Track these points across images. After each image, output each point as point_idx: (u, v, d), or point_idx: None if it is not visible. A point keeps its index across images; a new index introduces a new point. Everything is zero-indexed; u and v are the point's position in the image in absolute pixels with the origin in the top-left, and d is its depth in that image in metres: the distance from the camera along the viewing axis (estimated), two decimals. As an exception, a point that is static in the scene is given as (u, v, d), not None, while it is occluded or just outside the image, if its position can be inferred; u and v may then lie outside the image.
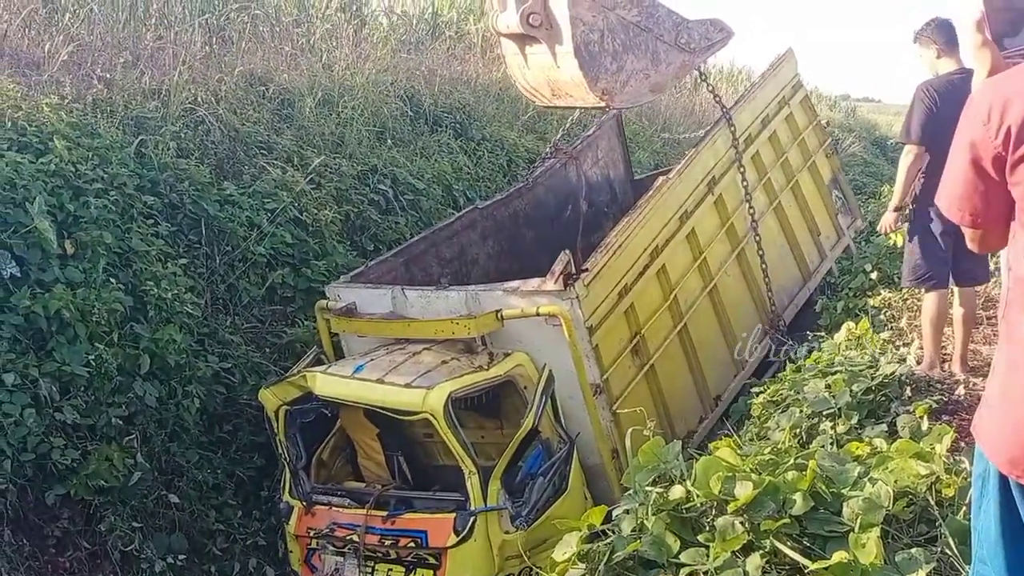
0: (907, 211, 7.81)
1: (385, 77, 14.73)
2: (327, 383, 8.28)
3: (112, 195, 9.16)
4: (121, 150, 9.69)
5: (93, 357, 8.17)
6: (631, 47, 9.33)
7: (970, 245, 3.17)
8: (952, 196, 3.02)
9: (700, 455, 9.62)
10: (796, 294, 12.30)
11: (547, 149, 13.00)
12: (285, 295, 10.72)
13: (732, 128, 11.22)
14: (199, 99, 11.25)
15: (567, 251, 8.63)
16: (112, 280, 8.71)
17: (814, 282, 12.69)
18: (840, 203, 13.52)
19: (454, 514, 7.76)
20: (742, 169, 11.16)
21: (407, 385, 7.85)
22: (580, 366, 8.55)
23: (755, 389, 8.24)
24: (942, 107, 7.18)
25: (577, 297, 8.44)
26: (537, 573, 7.56)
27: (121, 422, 8.38)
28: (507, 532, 7.74)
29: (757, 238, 11.20)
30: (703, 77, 11.39)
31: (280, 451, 8.69)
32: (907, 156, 7.62)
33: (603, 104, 9.64)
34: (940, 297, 7.68)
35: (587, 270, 8.70)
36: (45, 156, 8.78)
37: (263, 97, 12.64)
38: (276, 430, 8.63)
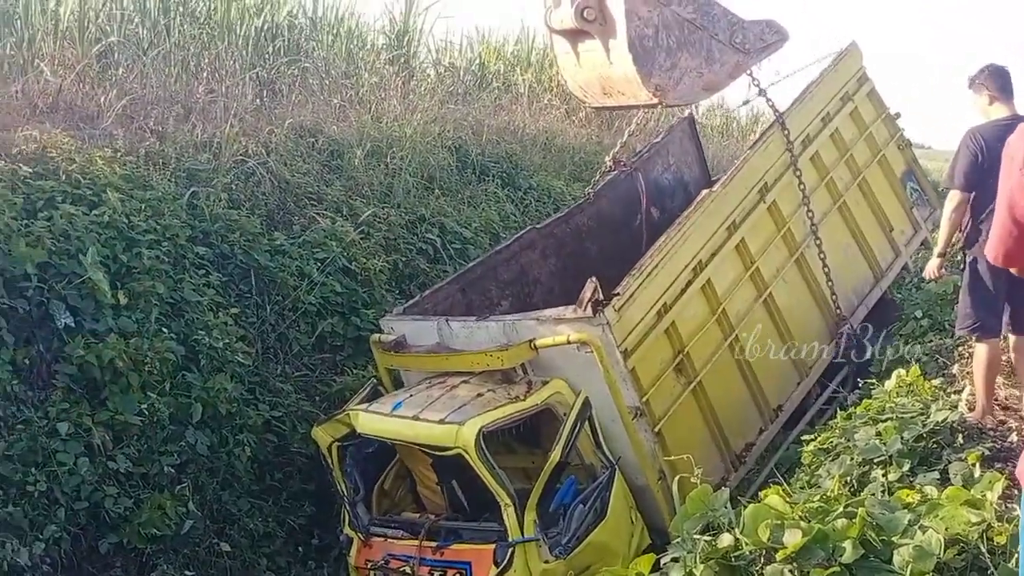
0: (956, 257, 7.73)
1: (433, 128, 14.84)
2: (368, 421, 8.44)
3: (164, 246, 9.32)
4: (173, 202, 9.86)
5: (146, 406, 8.30)
6: (685, 44, 9.26)
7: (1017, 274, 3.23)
8: (992, 237, 3.06)
9: (759, 468, 9.72)
10: (867, 294, 12.07)
11: (607, 162, 12.86)
12: (335, 344, 10.79)
13: (786, 132, 11.10)
14: (250, 151, 11.40)
15: (593, 278, 8.61)
16: (164, 330, 8.85)
17: (887, 280, 12.46)
18: (916, 196, 13.11)
19: (495, 545, 7.81)
20: (798, 172, 11.03)
21: (440, 421, 7.93)
22: (616, 391, 8.55)
23: (805, 437, 8.15)
24: (988, 153, 7.10)
25: (608, 323, 8.46)
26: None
27: (173, 470, 8.49)
28: (546, 562, 7.76)
29: (818, 241, 11.07)
30: (756, 81, 11.07)
31: (337, 486, 8.82)
32: (951, 202, 7.52)
33: (655, 101, 9.55)
34: (991, 346, 7.50)
35: (618, 294, 8.69)
36: (99, 208, 8.94)
37: (312, 148, 12.79)
38: (331, 466, 8.79)
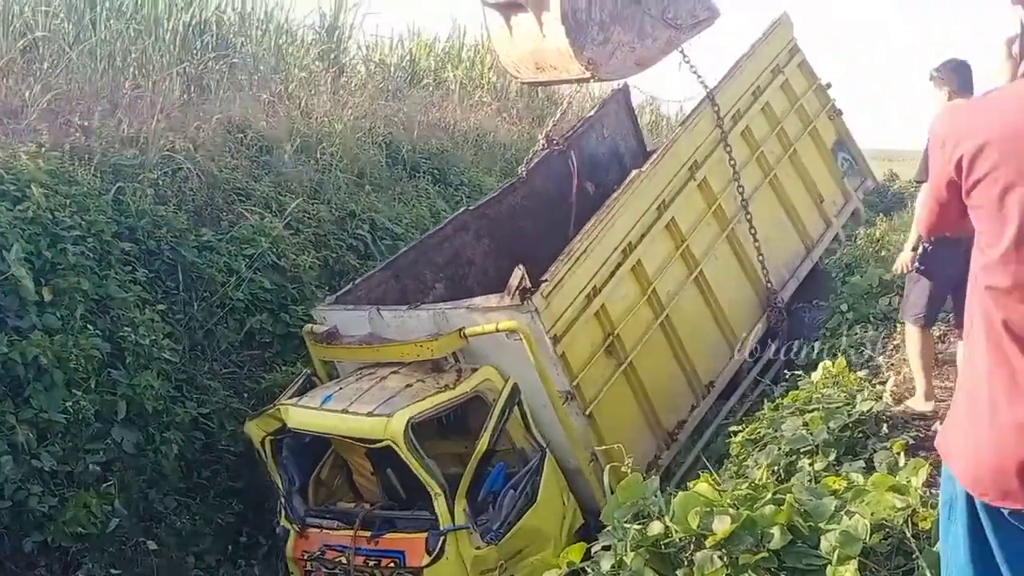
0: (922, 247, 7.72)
1: (363, 124, 14.82)
2: (298, 415, 8.44)
3: (89, 242, 9.19)
4: (99, 197, 9.72)
5: (71, 404, 8.17)
6: (618, 18, 9.22)
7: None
8: (919, 210, 3.19)
9: (692, 443, 9.71)
10: (798, 266, 12.23)
11: (540, 141, 12.85)
12: (264, 340, 10.72)
13: (716, 108, 11.16)
14: (177, 146, 11.29)
15: (520, 265, 8.66)
16: (89, 326, 8.72)
17: (818, 251, 12.59)
18: (847, 165, 13.27)
19: (427, 534, 7.89)
20: (728, 148, 11.11)
21: (369, 414, 7.97)
22: (545, 377, 8.59)
23: (733, 428, 8.23)
24: None
25: (536, 310, 8.50)
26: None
27: (99, 468, 8.37)
28: (478, 548, 7.90)
29: (748, 216, 11.17)
30: (686, 58, 10.97)
31: (272, 479, 8.83)
32: (924, 195, 7.50)
33: (588, 75, 9.53)
34: (924, 333, 7.52)
35: (546, 281, 8.74)
36: (22, 204, 8.80)
37: (241, 144, 12.70)
38: (265, 459, 8.80)
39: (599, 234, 9.43)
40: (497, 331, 8.48)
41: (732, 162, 11.16)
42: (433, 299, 10.71)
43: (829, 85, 13.16)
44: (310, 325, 9.86)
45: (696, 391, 10.40)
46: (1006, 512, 2.74)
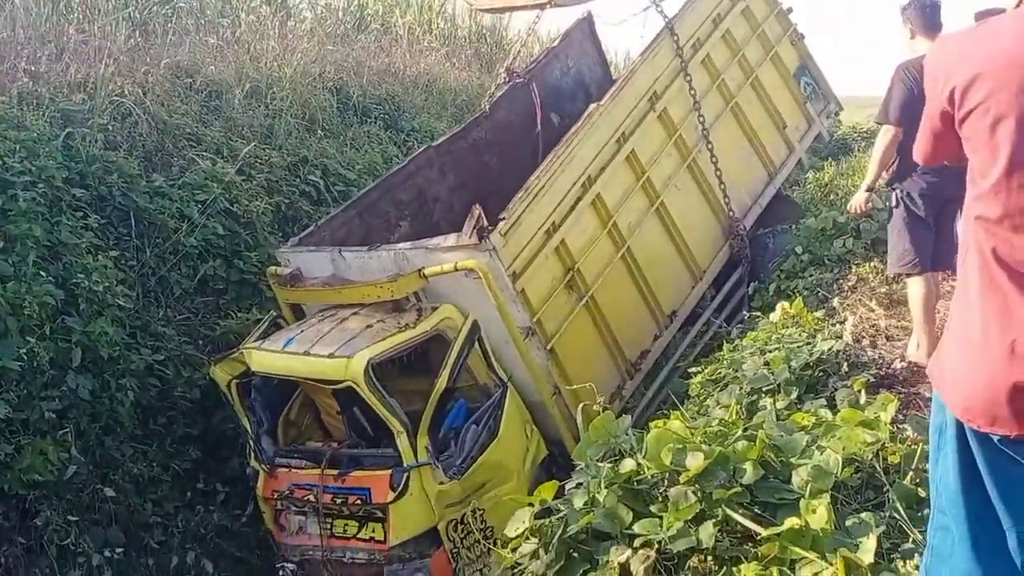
0: (883, 194, 7.62)
1: (313, 68, 14.67)
2: (261, 358, 8.52)
3: (40, 188, 9.04)
4: (48, 143, 9.55)
5: (25, 351, 8.07)
6: None
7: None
8: (916, 139, 3.19)
9: (656, 372, 9.92)
10: (761, 192, 12.27)
11: (502, 74, 12.80)
12: (217, 287, 10.63)
13: (675, 38, 11.10)
14: (126, 91, 11.10)
15: (477, 205, 8.70)
16: (42, 273, 8.58)
17: (781, 177, 12.64)
18: (810, 90, 13.20)
19: (390, 470, 8.02)
20: (688, 78, 11.06)
21: (330, 355, 8.05)
22: (505, 313, 8.66)
23: (693, 369, 8.30)
24: (920, 88, 7.00)
25: (494, 248, 8.54)
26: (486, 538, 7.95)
27: (55, 416, 8.30)
28: (441, 483, 8.05)
29: (709, 146, 11.17)
30: None
31: (240, 421, 8.92)
32: (884, 136, 7.33)
33: (544, 1, 9.47)
34: (927, 280, 7.33)
35: (504, 219, 8.77)
36: (-30, 150, 8.62)
37: (190, 89, 12.54)
38: (232, 402, 8.86)
39: (557, 170, 9.43)
40: (456, 270, 8.53)
41: (692, 91, 11.12)
42: (398, 237, 10.74)
43: (791, 10, 13.09)
44: (274, 267, 9.89)
45: (659, 321, 10.48)
46: (995, 438, 2.77)
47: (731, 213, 11.45)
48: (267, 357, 8.51)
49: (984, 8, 6.66)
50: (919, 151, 3.27)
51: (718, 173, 11.26)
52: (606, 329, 9.83)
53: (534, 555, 4.65)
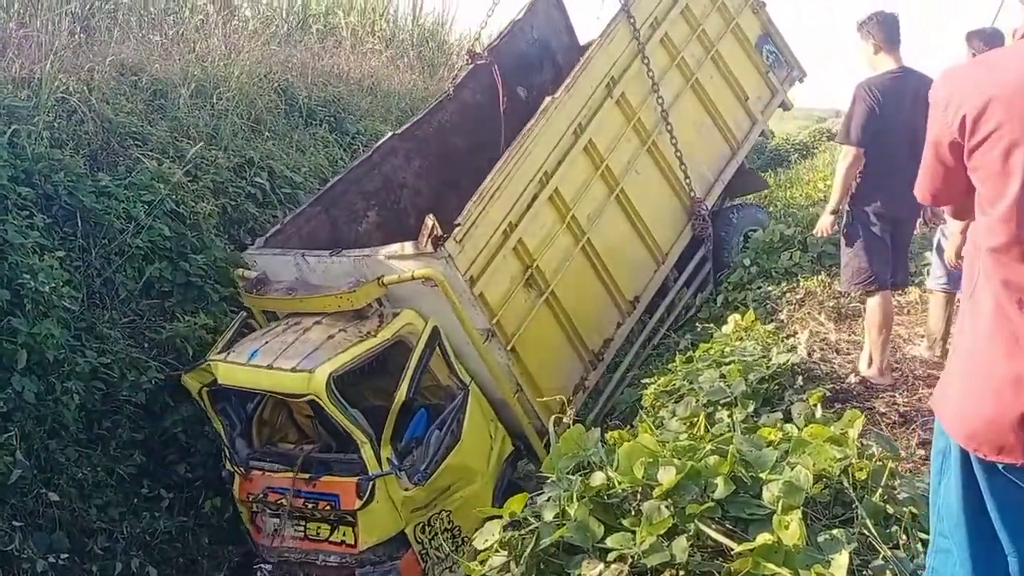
0: (844, 213, 7.62)
1: (259, 69, 14.53)
2: (227, 371, 8.63)
3: (-15, 186, 8.86)
4: (-7, 140, 9.37)
5: (-31, 353, 7.90)
6: None
7: (949, 216, 3.40)
8: (920, 175, 3.17)
9: (624, 352, 10.11)
10: (724, 168, 12.31)
11: (465, 57, 12.79)
12: (163, 289, 10.47)
13: (632, 20, 11.05)
14: (71, 88, 10.91)
15: (431, 215, 8.75)
16: (-13, 273, 8.42)
17: (744, 150, 12.69)
18: (773, 58, 13.18)
19: (357, 479, 8.19)
20: (646, 60, 11.04)
21: (292, 369, 8.17)
22: (464, 319, 8.77)
23: (646, 380, 8.35)
24: (883, 107, 7.07)
25: (449, 256, 8.64)
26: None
27: (-1, 419, 8.13)
28: (407, 489, 8.26)
29: (669, 127, 11.17)
30: None
31: (214, 425, 9.08)
32: (845, 158, 7.36)
33: None
34: (885, 298, 7.45)
35: (459, 224, 8.83)
36: (-85, 145, 8.44)
37: (135, 87, 12.35)
38: (204, 408, 9.01)
39: (512, 169, 9.48)
40: (413, 279, 8.57)
41: (651, 73, 11.11)
42: (366, 227, 10.98)
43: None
44: (241, 270, 9.95)
45: (621, 308, 10.64)
46: (1000, 466, 2.81)
47: (692, 194, 11.51)
48: (232, 370, 8.60)
49: (975, 28, 6.77)
50: (925, 191, 3.23)
51: (678, 154, 11.30)
52: (567, 322, 9.97)
53: (504, 568, 4.64)
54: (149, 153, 11.26)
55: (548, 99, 10.18)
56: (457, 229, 8.80)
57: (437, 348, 8.76)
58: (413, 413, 8.49)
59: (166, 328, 10.14)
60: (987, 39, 6.79)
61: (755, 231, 12.96)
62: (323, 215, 10.74)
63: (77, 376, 8.91)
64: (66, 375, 8.83)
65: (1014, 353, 2.77)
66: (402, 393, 8.21)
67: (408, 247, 8.78)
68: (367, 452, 8.18)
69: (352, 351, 8.36)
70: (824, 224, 7.83)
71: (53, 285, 8.85)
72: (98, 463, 9.08)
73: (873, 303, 7.45)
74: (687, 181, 11.42)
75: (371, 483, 8.18)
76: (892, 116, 6.99)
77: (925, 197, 3.25)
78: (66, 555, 8.29)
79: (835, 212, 7.65)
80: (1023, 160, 2.71)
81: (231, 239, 11.63)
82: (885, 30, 7.21)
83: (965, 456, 2.92)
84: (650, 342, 11.24)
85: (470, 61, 12.63)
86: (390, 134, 12.01)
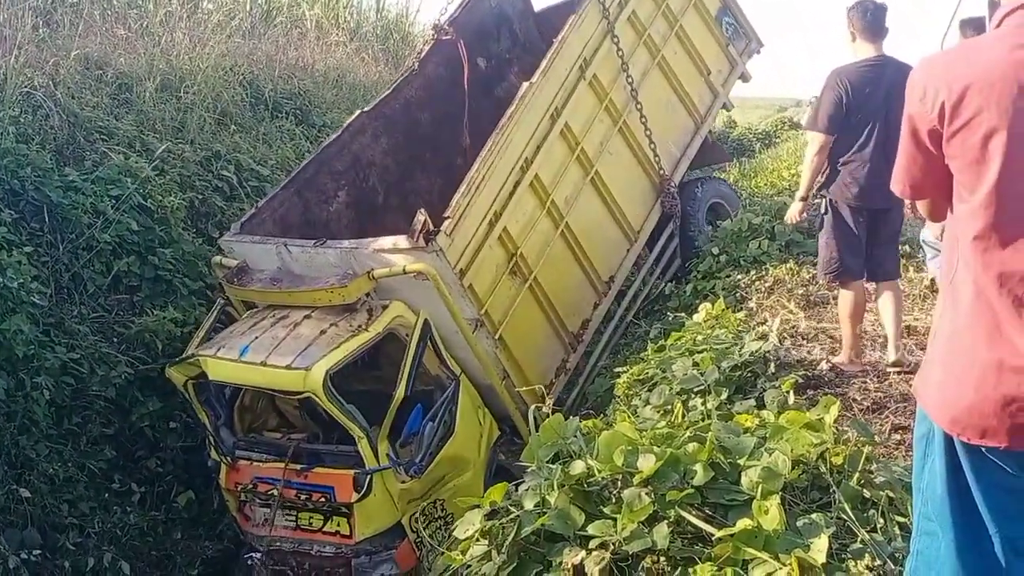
0: (816, 202, 7.62)
1: (225, 62, 14.46)
2: (218, 367, 8.59)
3: (-48, 182, 8.79)
4: (-41, 135, 9.30)
5: (-62, 349, 7.85)
6: None
7: (924, 214, 3.39)
8: (896, 168, 3.18)
9: (596, 341, 10.34)
10: (689, 143, 12.39)
11: (431, 33, 12.65)
12: (131, 284, 10.42)
13: (602, 1, 11.05)
14: (36, 83, 10.85)
15: (422, 210, 8.76)
16: (-45, 269, 8.36)
17: (707, 124, 12.78)
18: (732, 30, 13.19)
19: (353, 471, 8.24)
20: (616, 39, 11.05)
21: (288, 367, 8.16)
22: (454, 310, 8.79)
23: (618, 369, 8.38)
24: (852, 96, 7.03)
25: (440, 249, 8.65)
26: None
27: (-32, 415, 8.09)
28: (403, 482, 8.34)
29: (639, 106, 11.24)
30: None
31: (199, 416, 9.10)
32: (814, 144, 7.35)
33: None
34: (856, 290, 7.43)
35: (448, 218, 8.85)
36: None
37: (100, 81, 12.28)
38: (190, 400, 9.02)
39: (495, 158, 9.49)
40: (405, 273, 8.59)
41: (620, 52, 11.13)
42: (336, 208, 11.07)
43: None
44: (219, 258, 9.92)
45: (598, 289, 10.75)
46: (984, 450, 2.86)
47: (661, 172, 11.61)
48: (224, 367, 8.58)
49: (968, 16, 6.75)
50: (903, 183, 3.22)
51: (648, 132, 11.38)
52: (549, 307, 10.08)
53: (485, 557, 4.66)
54: (116, 147, 11.20)
55: (525, 85, 10.16)
56: (447, 223, 8.81)
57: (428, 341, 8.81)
58: (410, 408, 8.49)
59: (135, 323, 10.09)
60: (978, 27, 6.76)
61: (719, 203, 13.28)
62: (295, 198, 10.74)
63: (47, 372, 8.86)
64: (35, 371, 8.77)
65: (995, 339, 2.81)
66: (400, 391, 8.22)
67: (400, 240, 8.77)
68: (364, 447, 8.20)
69: (345, 347, 8.36)
70: (793, 212, 7.87)
71: (21, 281, 8.80)
72: (69, 458, 9.04)
73: (843, 294, 7.48)
74: (656, 159, 11.51)
75: (368, 477, 8.22)
76: (862, 105, 7.01)
77: (904, 190, 3.23)
78: (38, 551, 8.26)
79: (804, 199, 7.68)
80: (1002, 146, 2.74)
81: (199, 233, 11.58)
82: (866, 19, 7.11)
83: (949, 440, 2.96)
84: (624, 320, 11.36)
85: (435, 36, 12.58)
86: (358, 112, 12.01)
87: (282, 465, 8.50)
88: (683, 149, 12.27)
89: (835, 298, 8.41)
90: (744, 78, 13.42)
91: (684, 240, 12.26)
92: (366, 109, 11.96)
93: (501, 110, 10.21)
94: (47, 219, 9.80)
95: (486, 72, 12.62)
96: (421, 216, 8.62)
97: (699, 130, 12.55)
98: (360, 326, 8.63)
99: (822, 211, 7.53)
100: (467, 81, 12.16)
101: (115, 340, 9.95)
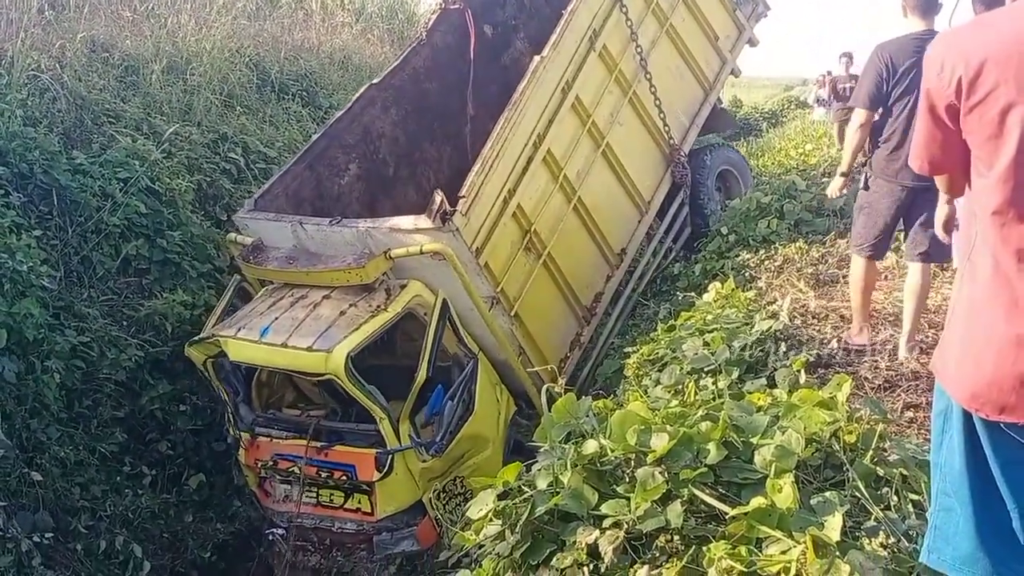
0: (861, 177, 7.40)
1: (231, 44, 14.45)
2: (238, 348, 8.64)
3: (-40, 165, 8.80)
4: (-34, 119, 9.30)
5: (-51, 333, 7.85)
6: None
7: (941, 190, 3.37)
8: (915, 144, 3.17)
9: (608, 313, 10.42)
10: (698, 111, 12.35)
11: (439, 4, 12.65)
12: (140, 267, 10.44)
13: None
14: (43, 66, 10.84)
15: (439, 190, 8.76)
16: (-35, 253, 8.36)
17: (716, 91, 12.70)
18: None
19: (375, 450, 8.35)
20: (624, 8, 10.97)
21: (309, 348, 8.20)
22: (471, 289, 8.84)
23: (628, 349, 8.37)
24: (893, 70, 6.86)
25: (456, 229, 8.65)
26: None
27: (-20, 399, 8.11)
28: (424, 461, 8.45)
29: (648, 75, 11.19)
30: None
31: (218, 393, 9.25)
32: (856, 119, 7.19)
33: None
34: (869, 264, 7.31)
35: (464, 197, 8.85)
36: None
37: (107, 64, 12.27)
38: (209, 378, 9.15)
39: (509, 135, 9.45)
40: (422, 253, 8.63)
41: (629, 22, 11.04)
42: (348, 180, 11.11)
43: None
44: (234, 235, 9.96)
45: (610, 261, 10.78)
46: (1003, 425, 2.85)
47: (671, 141, 11.59)
48: (245, 347, 8.62)
49: None
50: (921, 159, 3.22)
51: (657, 102, 11.35)
52: (563, 282, 10.12)
53: (499, 536, 4.67)
54: (123, 130, 11.22)
55: (536, 59, 10.09)
56: (462, 202, 8.80)
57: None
58: (431, 388, 8.48)
59: (144, 306, 10.12)
60: (988, 2, 6.63)
61: (728, 169, 13.38)
62: (307, 171, 10.76)
63: (57, 355, 8.87)
64: (46, 354, 8.78)
65: (1013, 314, 2.79)
66: (422, 374, 8.31)
67: (421, 220, 8.75)
68: (385, 427, 8.28)
69: (366, 328, 8.40)
70: (835, 187, 7.75)
71: (31, 264, 8.80)
72: (80, 441, 9.06)
73: (856, 264, 7.40)
74: (666, 128, 11.47)
75: (390, 457, 8.34)
76: (903, 80, 6.86)
77: (922, 166, 3.23)
78: (50, 534, 8.23)
79: (845, 175, 7.54)
80: (1020, 120, 2.73)
81: (207, 215, 11.61)
82: None
83: (967, 416, 2.95)
84: (635, 292, 11.41)
85: (443, 5, 12.54)
86: (368, 84, 11.99)
87: (302, 442, 8.61)
88: (692, 117, 12.22)
89: (845, 276, 8.37)
90: (752, 43, 13.27)
91: (694, 208, 12.27)
92: (375, 81, 11.93)
93: (508, 77, 10.16)
94: (56, 202, 9.80)
95: (492, 40, 12.65)
96: (438, 196, 8.62)
97: (708, 97, 12.48)
98: (379, 306, 8.66)
99: (861, 186, 7.40)
100: (473, 50, 12.20)
101: (124, 323, 9.96)
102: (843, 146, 7.62)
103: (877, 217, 7.21)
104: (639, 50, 11.14)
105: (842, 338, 7.46)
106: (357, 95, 11.81)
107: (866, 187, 7.31)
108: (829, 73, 24.04)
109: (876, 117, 7.09)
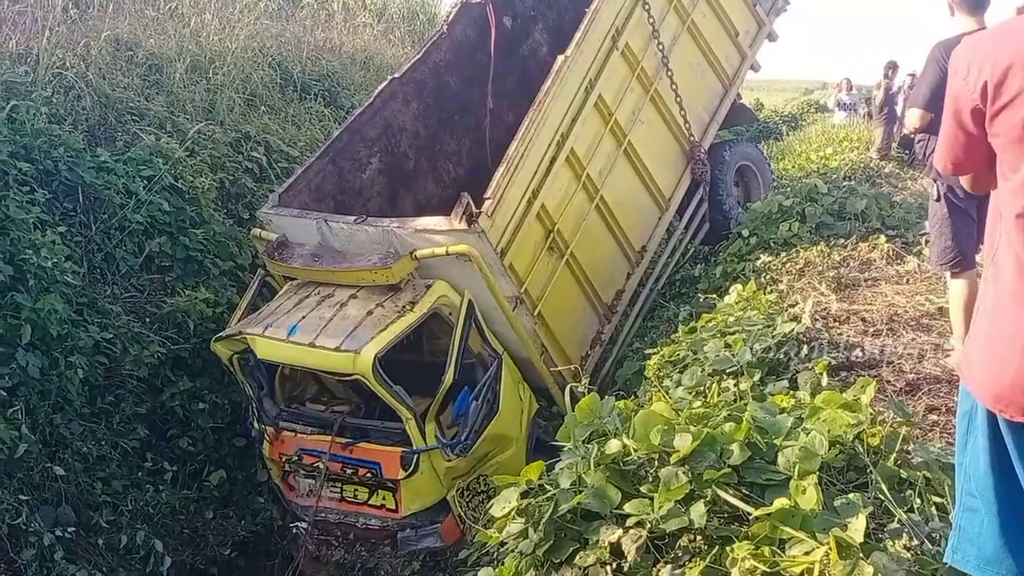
0: (933, 188, 7.07)
1: (254, 44, 14.51)
2: (266, 347, 8.72)
3: (-15, 161, 8.87)
4: (-8, 115, 9.37)
5: (-27, 329, 7.92)
6: None
7: (967, 188, 3.38)
8: (939, 145, 3.19)
9: (627, 313, 10.45)
10: (718, 107, 12.31)
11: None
12: (163, 264, 10.50)
13: None
14: (67, 64, 10.91)
15: (465, 193, 8.78)
16: (-10, 249, 8.43)
17: (736, 87, 12.66)
18: None
19: (400, 449, 8.40)
20: (647, 5, 10.92)
21: (336, 348, 8.25)
22: (495, 290, 8.85)
23: (648, 351, 8.37)
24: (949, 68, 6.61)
25: (482, 231, 8.66)
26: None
27: (4, 393, 8.20)
28: (449, 460, 8.47)
29: (670, 73, 11.17)
30: None
31: (243, 388, 9.35)
32: (910, 120, 7.15)
33: None
34: (970, 280, 6.71)
35: (489, 198, 8.86)
36: (-84, 121, 8.42)
37: (131, 63, 12.34)
38: (234, 373, 9.25)
39: (533, 135, 9.44)
40: (447, 255, 8.65)
41: (651, 19, 11.00)
42: (369, 174, 11.17)
43: None
44: (258, 230, 10.00)
45: (631, 259, 10.78)
46: None
47: (692, 138, 11.56)
48: (273, 346, 8.69)
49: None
50: (946, 160, 3.23)
51: (678, 99, 11.30)
52: (585, 281, 10.13)
53: (522, 534, 4.68)
54: (147, 128, 11.28)
55: (560, 58, 10.06)
56: (488, 203, 8.81)
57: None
58: (456, 390, 8.54)
59: (167, 303, 10.18)
60: None
61: (747, 165, 13.32)
62: (330, 166, 10.80)
63: (80, 351, 8.94)
64: (69, 350, 8.85)
65: None
66: (449, 377, 8.36)
67: (443, 222, 8.80)
68: (411, 428, 8.33)
69: (393, 328, 8.43)
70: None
71: (55, 260, 8.88)
72: (102, 437, 9.11)
73: (954, 284, 6.96)
74: (687, 125, 11.43)
75: (416, 456, 8.39)
76: None
77: (946, 167, 3.24)
78: (72, 528, 8.30)
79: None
80: None
81: (229, 214, 11.67)
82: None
83: (991, 417, 2.96)
84: (655, 288, 11.44)
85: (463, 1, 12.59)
86: (390, 78, 12.00)
87: (327, 438, 8.68)
88: (712, 113, 12.18)
89: (866, 280, 8.35)
90: (771, 37, 13.17)
91: (713, 204, 12.21)
92: (396, 75, 11.95)
93: (526, 68, 10.12)
94: (80, 199, 9.87)
95: (511, 31, 12.68)
96: (464, 199, 8.64)
97: (727, 93, 12.42)
98: (405, 307, 8.68)
99: (934, 198, 7.11)
100: (494, 43, 12.23)
101: (147, 320, 10.01)
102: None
103: (955, 228, 6.96)
104: (661, 47, 11.10)
105: (946, 365, 6.90)
106: (378, 89, 11.82)
107: (938, 199, 7.03)
108: (848, 80, 24.08)
109: (932, 116, 6.86)
